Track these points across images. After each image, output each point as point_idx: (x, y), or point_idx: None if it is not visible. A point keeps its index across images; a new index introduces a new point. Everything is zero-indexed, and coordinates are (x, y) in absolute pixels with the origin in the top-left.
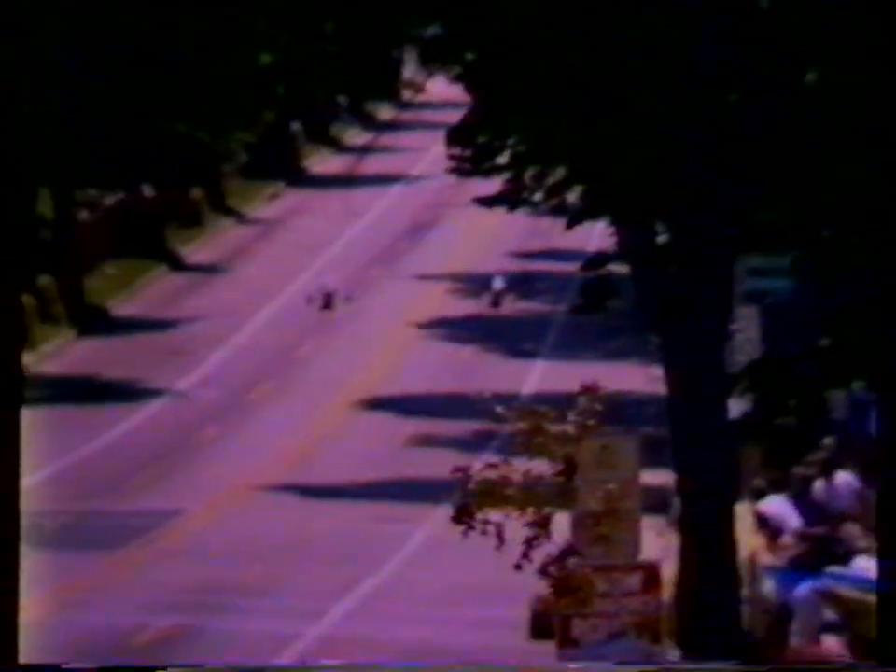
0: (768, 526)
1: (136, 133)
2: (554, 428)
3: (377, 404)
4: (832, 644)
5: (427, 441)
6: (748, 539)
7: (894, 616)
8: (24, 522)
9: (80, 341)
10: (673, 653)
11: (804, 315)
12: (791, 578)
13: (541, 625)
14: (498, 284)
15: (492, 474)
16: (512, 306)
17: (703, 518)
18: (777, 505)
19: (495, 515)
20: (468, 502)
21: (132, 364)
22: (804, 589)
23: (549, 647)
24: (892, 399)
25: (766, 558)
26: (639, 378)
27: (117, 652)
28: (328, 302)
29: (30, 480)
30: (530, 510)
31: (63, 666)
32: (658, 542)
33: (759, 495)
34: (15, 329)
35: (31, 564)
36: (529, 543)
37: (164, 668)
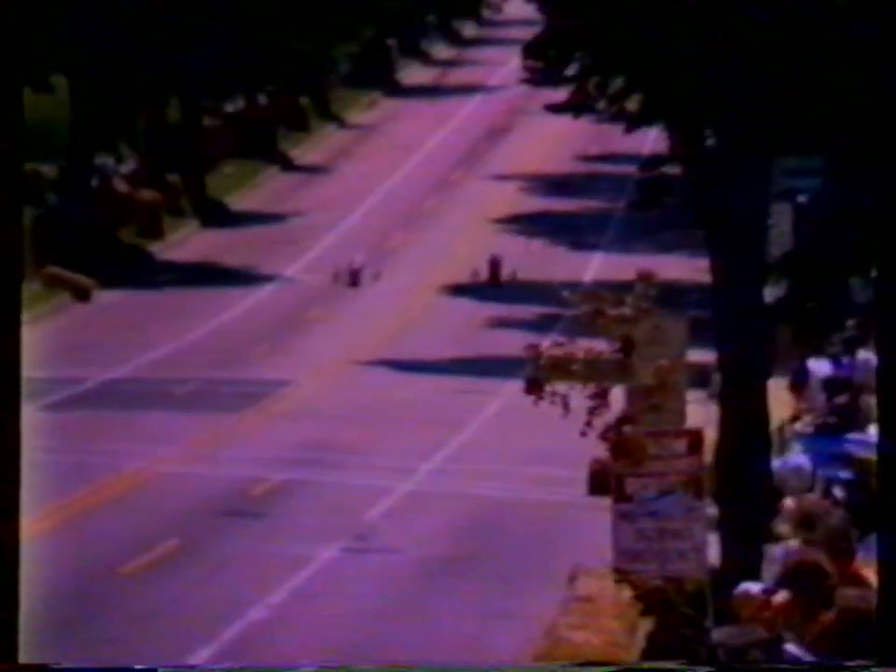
0: (800, 397)
1: (253, 47)
2: (613, 311)
3: (459, 290)
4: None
5: (502, 323)
6: (778, 410)
7: (894, 612)
8: (157, 388)
9: (203, 231)
10: (712, 509)
11: (830, 211)
12: (815, 442)
13: (599, 484)
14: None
15: (559, 352)
16: (579, 203)
17: (739, 391)
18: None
19: (561, 387)
20: (538, 376)
21: (247, 252)
22: (825, 451)
23: (605, 502)
24: None
25: (795, 425)
26: (687, 268)
27: (237, 501)
28: (354, 279)
29: (161, 352)
30: (592, 383)
31: (63, 667)
32: (701, 412)
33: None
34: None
35: (163, 424)
36: (591, 412)
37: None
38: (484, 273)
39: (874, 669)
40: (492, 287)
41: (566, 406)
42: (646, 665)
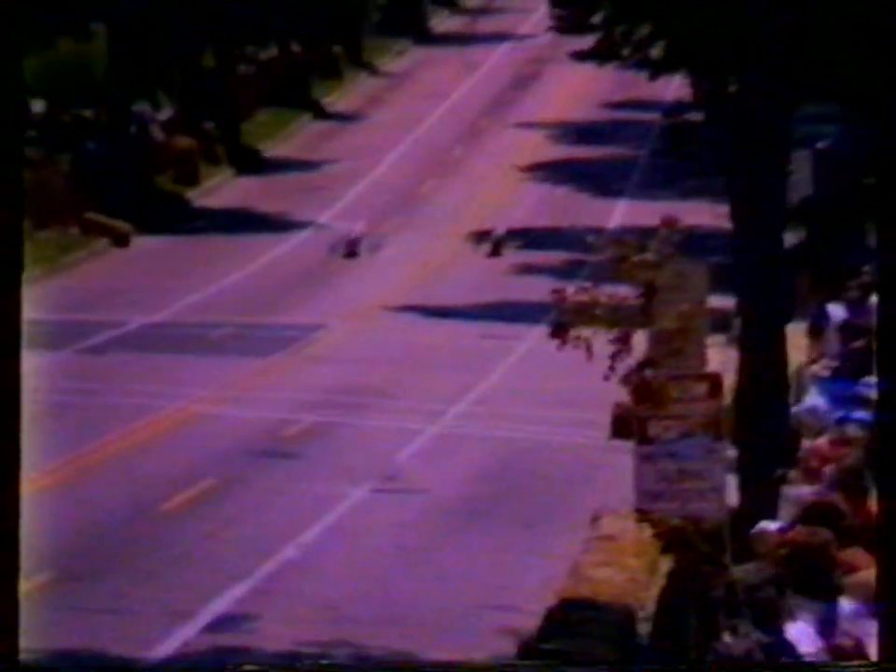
0: (817, 342)
1: None
2: (637, 257)
3: (486, 236)
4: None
5: (528, 269)
6: (796, 354)
7: (894, 613)
8: (193, 332)
9: (237, 178)
10: (731, 451)
11: (846, 157)
12: (831, 385)
13: (621, 427)
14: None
15: (583, 297)
16: (604, 151)
17: (759, 336)
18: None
19: (585, 332)
20: (563, 321)
21: (281, 199)
22: (840, 393)
23: (627, 445)
24: None
25: (812, 369)
26: (709, 214)
27: (270, 442)
28: (352, 250)
29: (197, 297)
30: (615, 328)
31: (63, 667)
32: (721, 356)
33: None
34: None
35: (199, 367)
36: (614, 356)
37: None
38: (488, 247)
39: (873, 669)
40: (494, 256)
41: (589, 350)
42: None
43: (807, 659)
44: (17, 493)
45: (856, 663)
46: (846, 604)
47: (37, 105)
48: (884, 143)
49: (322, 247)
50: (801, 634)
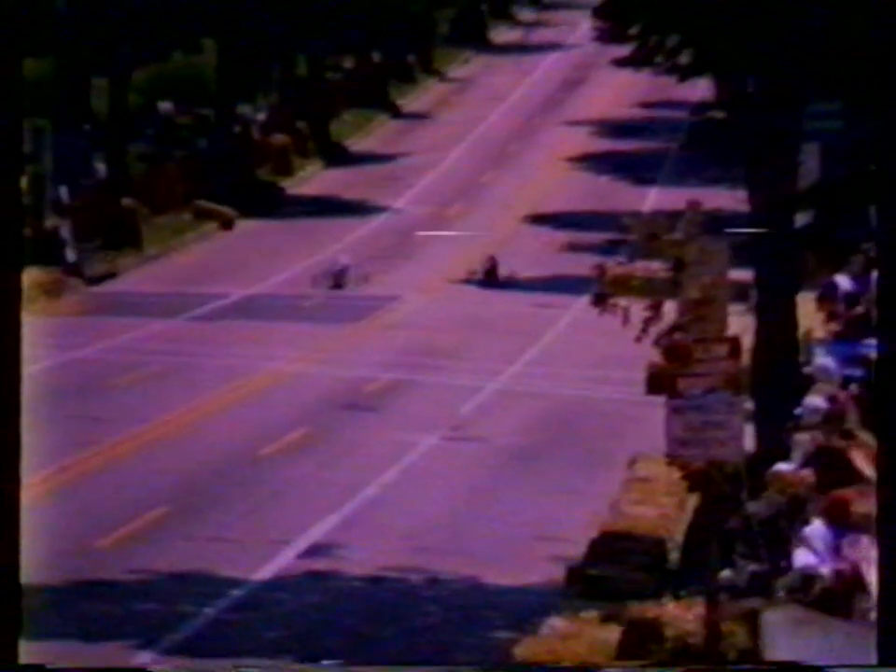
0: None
1: (368, 12)
2: (666, 236)
3: (538, 219)
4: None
5: (574, 247)
6: (805, 320)
7: (894, 614)
8: (288, 303)
9: (326, 170)
10: (749, 403)
11: (851, 149)
12: (835, 346)
13: (655, 383)
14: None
15: (621, 271)
16: (639, 145)
17: (773, 304)
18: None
19: (622, 301)
20: (603, 292)
21: (363, 188)
22: (844, 354)
23: (659, 399)
24: None
25: (818, 333)
26: (729, 199)
27: (354, 396)
28: (338, 281)
29: (291, 272)
30: (648, 297)
31: (64, 667)
32: (740, 322)
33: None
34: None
35: (293, 333)
36: (646, 322)
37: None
38: (480, 273)
39: (873, 669)
40: (487, 284)
41: (626, 317)
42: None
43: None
44: (16, 494)
45: (858, 664)
46: (845, 532)
47: (164, 106)
48: (882, 135)
49: (399, 229)
50: (807, 558)
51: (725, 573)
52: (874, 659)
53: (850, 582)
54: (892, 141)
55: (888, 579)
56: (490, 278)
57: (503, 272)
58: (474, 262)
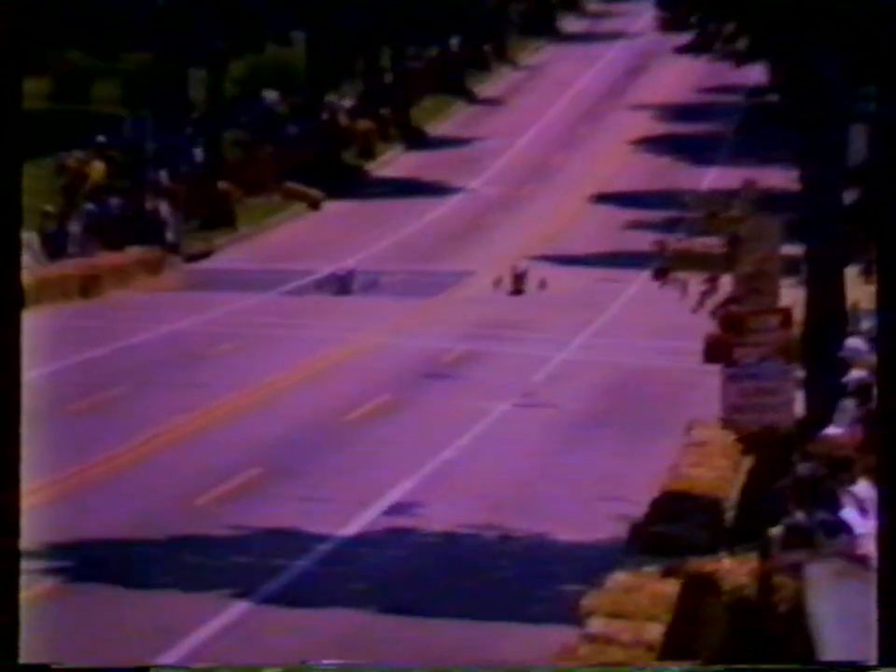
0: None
1: (447, 5)
2: (723, 214)
3: (602, 199)
4: None
5: (636, 224)
6: (852, 292)
7: (894, 614)
8: (371, 278)
9: (407, 153)
10: (799, 371)
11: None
12: (881, 318)
13: (712, 352)
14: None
15: (680, 246)
16: (698, 127)
17: (822, 277)
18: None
19: (681, 275)
20: (664, 266)
21: (440, 170)
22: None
23: (716, 367)
24: None
25: (864, 303)
26: (782, 178)
27: (432, 365)
28: (344, 287)
29: (374, 249)
30: (705, 271)
31: (61, 666)
32: (791, 294)
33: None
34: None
35: (376, 306)
36: (704, 295)
37: (163, 668)
38: (508, 283)
39: (874, 669)
40: (515, 294)
41: (684, 290)
42: (647, 666)
43: (858, 532)
44: (17, 495)
45: (855, 661)
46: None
47: (269, 95)
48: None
49: (475, 208)
50: (853, 515)
51: (776, 530)
52: None
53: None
54: None
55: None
56: (517, 288)
57: (536, 276)
58: (547, 236)
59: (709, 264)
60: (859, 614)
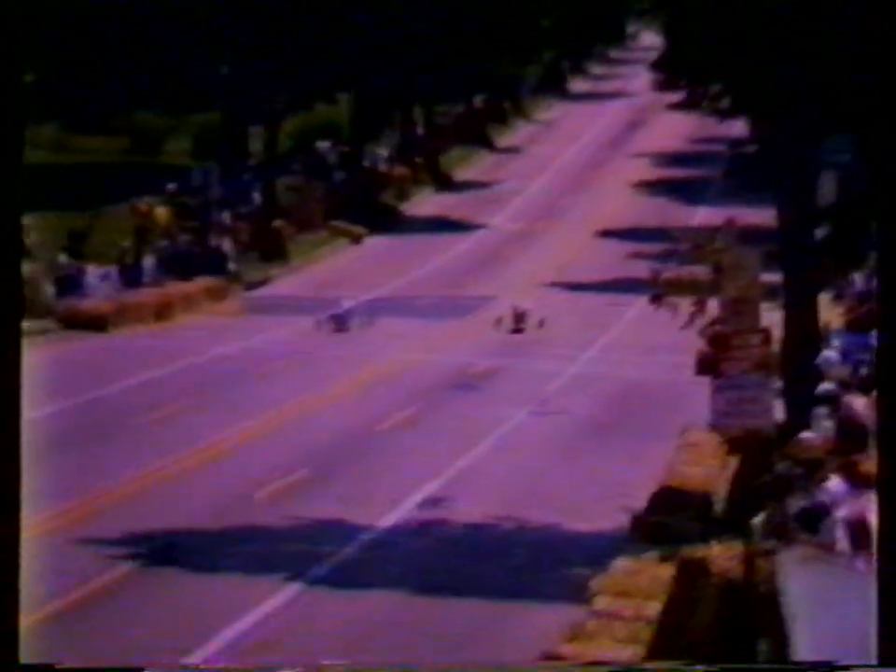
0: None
1: (471, 70)
2: (708, 247)
3: (606, 234)
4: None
5: (636, 255)
6: (824, 314)
7: (894, 613)
8: (405, 303)
9: (436, 195)
10: (778, 382)
11: (860, 176)
12: (848, 336)
13: (702, 366)
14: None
15: (672, 275)
16: (689, 172)
17: (798, 301)
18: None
19: (673, 299)
20: (658, 292)
21: (465, 209)
22: (854, 343)
23: (706, 379)
24: None
25: (835, 324)
26: (761, 217)
27: (459, 378)
28: (340, 326)
29: (407, 278)
30: (694, 296)
31: (60, 666)
32: (771, 317)
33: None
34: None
35: (409, 327)
36: (692, 316)
37: (162, 668)
38: (509, 323)
39: (874, 669)
40: (515, 332)
41: (676, 312)
42: (647, 665)
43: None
44: (17, 496)
45: (856, 663)
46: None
47: (322, 145)
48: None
49: (496, 242)
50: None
51: (757, 520)
52: (871, 589)
53: (856, 526)
54: (886, 169)
55: (888, 580)
56: (518, 327)
57: (535, 317)
58: (557, 265)
59: (697, 289)
60: (822, 592)
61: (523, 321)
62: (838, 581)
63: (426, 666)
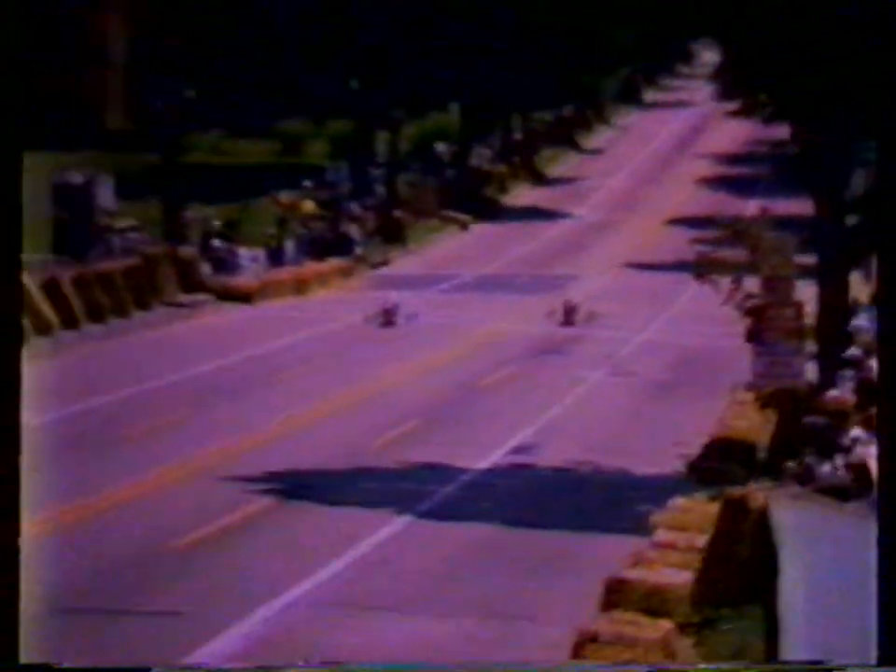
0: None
1: (560, 82)
2: (750, 231)
3: (675, 221)
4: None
5: (699, 241)
6: (854, 290)
7: (894, 614)
8: (506, 280)
9: (531, 189)
10: (811, 348)
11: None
12: (873, 309)
13: (750, 335)
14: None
15: (715, 255)
16: (744, 170)
17: (831, 280)
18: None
19: (715, 277)
20: (701, 268)
21: (555, 200)
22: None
23: (747, 346)
24: None
25: (862, 299)
26: (801, 207)
27: (548, 344)
28: (388, 320)
29: (506, 259)
30: (734, 274)
31: (60, 666)
32: (804, 292)
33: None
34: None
35: (506, 302)
36: (730, 291)
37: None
38: (560, 316)
39: (874, 669)
40: (566, 326)
41: (715, 287)
42: (653, 665)
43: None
44: (17, 495)
45: (856, 663)
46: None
47: (440, 147)
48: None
49: (581, 229)
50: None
51: (790, 464)
52: (872, 532)
53: (857, 467)
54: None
55: (888, 580)
56: (569, 320)
57: (587, 308)
58: (632, 249)
59: (735, 269)
60: (806, 524)
61: (573, 314)
62: (823, 516)
63: (426, 666)
